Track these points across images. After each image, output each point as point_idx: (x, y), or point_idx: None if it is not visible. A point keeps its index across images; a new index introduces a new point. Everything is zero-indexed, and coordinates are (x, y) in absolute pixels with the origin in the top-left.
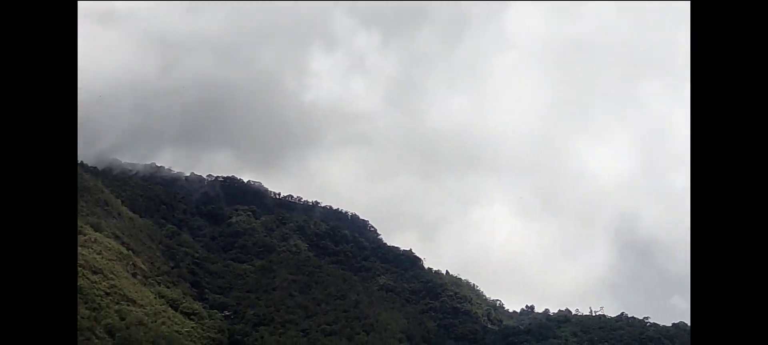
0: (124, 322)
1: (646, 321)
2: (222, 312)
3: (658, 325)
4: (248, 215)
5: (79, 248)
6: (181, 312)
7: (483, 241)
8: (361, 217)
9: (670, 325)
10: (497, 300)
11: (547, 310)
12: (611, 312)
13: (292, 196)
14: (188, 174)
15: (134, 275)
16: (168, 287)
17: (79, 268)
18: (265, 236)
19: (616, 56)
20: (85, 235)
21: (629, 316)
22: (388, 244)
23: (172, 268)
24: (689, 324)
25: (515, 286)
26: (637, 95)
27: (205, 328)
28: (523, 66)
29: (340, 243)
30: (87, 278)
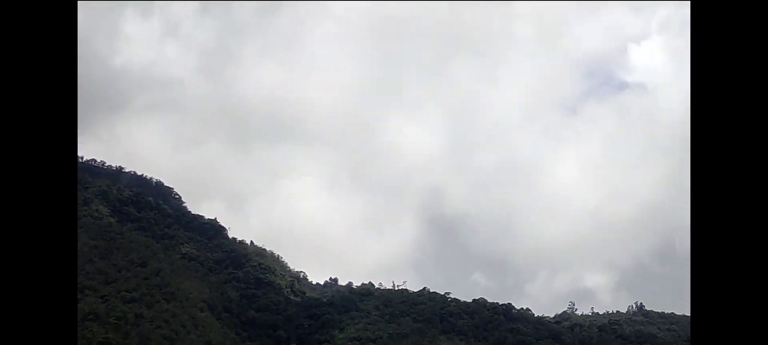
0: None
1: (448, 296)
2: None
3: (458, 300)
4: None
5: None
6: None
7: (290, 212)
8: (167, 185)
9: (470, 301)
10: (301, 271)
11: (350, 283)
12: (414, 286)
13: (95, 161)
14: None
15: None
16: None
17: None
18: None
19: (431, 34)
20: None
21: (431, 291)
22: (193, 212)
23: None
24: (489, 300)
25: (321, 259)
26: (450, 73)
27: None
28: (339, 40)
29: (143, 210)
30: None
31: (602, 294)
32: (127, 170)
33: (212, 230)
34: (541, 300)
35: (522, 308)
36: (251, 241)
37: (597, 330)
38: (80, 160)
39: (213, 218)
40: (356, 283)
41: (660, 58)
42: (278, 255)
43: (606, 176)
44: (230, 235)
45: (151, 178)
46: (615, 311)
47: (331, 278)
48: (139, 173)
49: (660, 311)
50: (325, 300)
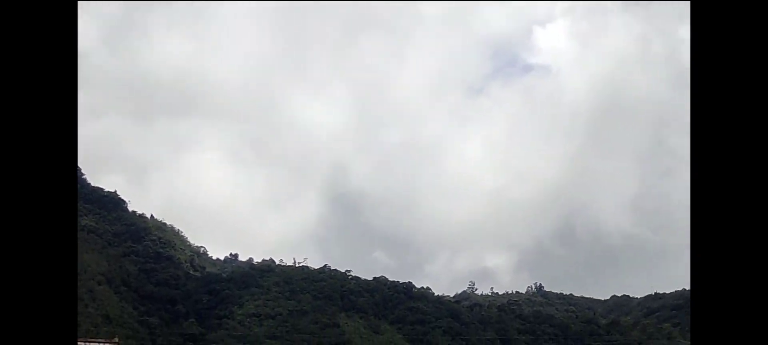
0: None
1: (348, 274)
2: None
3: (359, 278)
4: None
5: None
6: None
7: (192, 187)
8: None
9: (371, 278)
10: (201, 246)
11: (251, 259)
12: (315, 264)
13: None
14: None
15: None
16: None
17: None
18: None
19: (339, 10)
20: None
21: (332, 268)
22: (93, 184)
23: None
24: (389, 278)
25: (222, 234)
26: (356, 51)
27: None
28: (245, 14)
29: None
30: None
31: (502, 274)
32: None
33: (111, 203)
34: (442, 279)
35: (422, 287)
36: (151, 215)
37: (496, 310)
38: None
39: (113, 191)
40: (257, 259)
41: (564, 42)
42: (179, 229)
43: (509, 157)
44: (130, 208)
45: None
46: (514, 292)
47: (231, 254)
48: None
49: (559, 292)
50: (225, 275)
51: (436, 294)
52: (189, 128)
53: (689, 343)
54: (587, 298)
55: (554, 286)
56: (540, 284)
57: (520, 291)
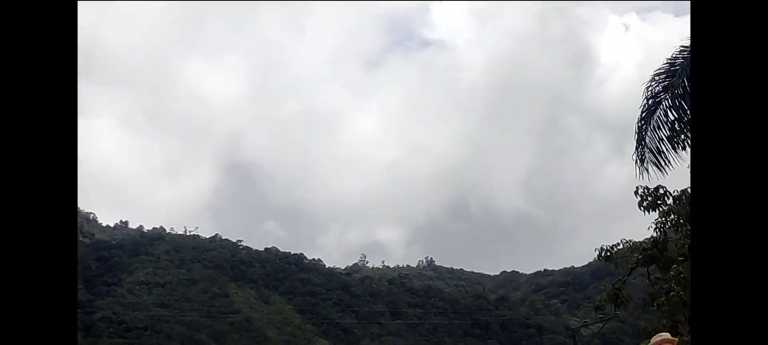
0: None
1: (239, 244)
2: None
3: (250, 248)
4: None
5: None
6: None
7: (84, 152)
8: None
9: (263, 249)
10: (91, 213)
11: (141, 227)
12: (207, 233)
13: None
14: None
15: None
16: None
17: None
18: None
19: None
20: None
21: (223, 237)
22: None
23: None
24: (281, 249)
25: (113, 201)
26: (255, 20)
27: None
28: None
29: None
30: None
31: (394, 248)
32: None
33: None
34: (334, 252)
35: (313, 259)
36: None
37: (387, 283)
38: None
39: None
40: (148, 227)
41: (461, 18)
42: None
43: (405, 132)
44: None
45: None
46: (405, 265)
47: (121, 221)
48: None
49: (449, 267)
50: (114, 242)
51: (327, 266)
52: (80, 94)
53: (575, 319)
54: (477, 273)
55: (445, 260)
56: (431, 258)
57: (412, 265)
